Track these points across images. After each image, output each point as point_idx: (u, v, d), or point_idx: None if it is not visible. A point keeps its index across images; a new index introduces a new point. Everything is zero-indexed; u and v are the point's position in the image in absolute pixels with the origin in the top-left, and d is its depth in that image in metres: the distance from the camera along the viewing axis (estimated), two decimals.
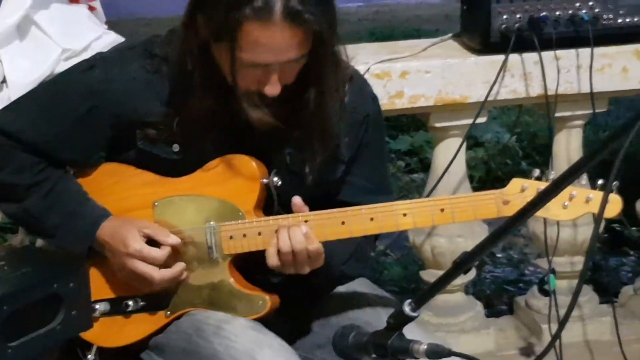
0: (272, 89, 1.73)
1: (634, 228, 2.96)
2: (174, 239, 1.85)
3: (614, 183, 1.63)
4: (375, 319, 1.82)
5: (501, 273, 3.85)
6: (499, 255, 4.01)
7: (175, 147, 1.87)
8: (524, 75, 2.55)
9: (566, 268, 2.77)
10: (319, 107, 1.80)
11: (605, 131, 4.78)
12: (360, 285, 2.00)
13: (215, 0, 1.70)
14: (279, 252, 1.77)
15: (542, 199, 1.34)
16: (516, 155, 4.58)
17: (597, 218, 1.67)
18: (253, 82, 1.73)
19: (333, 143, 1.86)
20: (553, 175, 1.76)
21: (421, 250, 2.73)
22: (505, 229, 1.38)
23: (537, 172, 1.76)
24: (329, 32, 1.71)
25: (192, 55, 1.77)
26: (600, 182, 1.69)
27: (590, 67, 2.51)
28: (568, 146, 2.72)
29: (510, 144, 4.56)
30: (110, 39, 2.29)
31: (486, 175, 4.35)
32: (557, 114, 2.64)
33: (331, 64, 1.77)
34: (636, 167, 3.24)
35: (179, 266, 1.85)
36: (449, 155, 2.61)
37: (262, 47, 1.67)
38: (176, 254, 1.86)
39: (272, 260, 1.78)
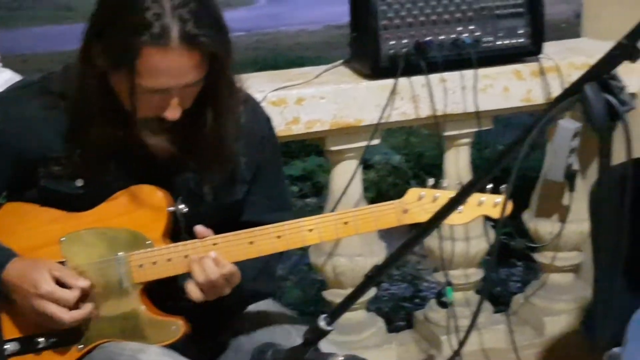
0: (172, 113, 1.77)
1: (522, 239, 3.09)
2: (84, 282, 1.85)
3: (504, 186, 1.74)
4: (285, 337, 1.88)
5: (398, 290, 3.96)
6: (394, 273, 4.13)
7: (79, 182, 1.89)
8: (413, 98, 2.65)
9: (461, 280, 2.89)
10: (216, 128, 1.85)
11: (487, 148, 4.99)
12: (268, 305, 2.06)
13: (112, 29, 1.73)
14: (197, 285, 1.81)
15: (451, 204, 1.43)
16: (405, 175, 4.72)
17: (496, 217, 1.77)
18: (153, 107, 1.77)
19: (232, 164, 1.91)
20: (446, 183, 1.88)
21: (322, 270, 2.80)
22: (416, 238, 1.46)
23: (431, 181, 1.87)
24: (225, 54, 1.76)
25: (90, 86, 1.79)
26: (489, 186, 1.81)
27: (475, 87, 2.64)
28: (457, 163, 2.84)
29: (399, 164, 4.70)
30: (5, 77, 2.28)
31: (378, 196, 4.47)
32: (446, 133, 2.76)
33: (227, 85, 1.83)
34: (522, 180, 3.39)
35: (89, 306, 1.86)
36: (346, 177, 2.70)
37: (161, 72, 1.71)
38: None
39: (195, 294, 1.82)
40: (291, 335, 1.91)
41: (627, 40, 1.18)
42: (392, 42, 2.61)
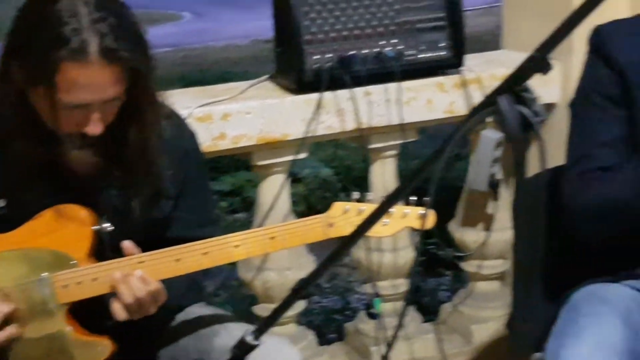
0: (94, 128, 1.76)
1: (449, 249, 3.14)
2: (7, 307, 1.83)
3: (426, 198, 1.78)
4: (226, 335, 1.89)
5: (329, 302, 3.98)
6: (325, 285, 4.15)
7: (1, 202, 1.86)
8: (339, 111, 2.68)
9: (390, 291, 2.92)
10: (140, 143, 1.85)
11: (416, 159, 5.05)
12: (200, 308, 2.07)
13: (30, 46, 1.71)
14: (123, 304, 1.80)
15: (373, 218, 1.45)
16: (334, 188, 4.76)
17: (416, 229, 1.81)
18: (74, 123, 1.76)
19: (157, 179, 1.91)
20: (371, 196, 1.91)
21: (252, 286, 2.80)
22: (340, 251, 1.48)
23: (356, 194, 1.89)
24: (145, 68, 1.77)
25: (9, 104, 1.77)
26: (412, 198, 1.84)
27: (399, 100, 2.67)
28: (383, 175, 2.87)
29: (328, 177, 4.73)
30: None
31: (307, 210, 4.49)
32: (372, 146, 2.79)
33: (149, 100, 1.84)
34: (447, 190, 3.44)
35: (12, 328, 1.83)
36: (274, 191, 2.71)
37: (80, 87, 1.71)
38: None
39: (120, 313, 1.81)
40: (231, 331, 1.93)
41: (538, 53, 1.21)
42: (316, 57, 2.63)
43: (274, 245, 1.88)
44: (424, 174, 1.32)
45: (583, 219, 1.99)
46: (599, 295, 1.99)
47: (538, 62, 1.22)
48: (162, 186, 1.94)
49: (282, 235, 1.87)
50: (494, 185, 2.88)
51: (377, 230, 1.86)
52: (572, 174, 2.02)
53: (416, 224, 1.90)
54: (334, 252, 1.46)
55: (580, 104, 2.08)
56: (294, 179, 4.82)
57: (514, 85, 1.23)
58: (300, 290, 1.50)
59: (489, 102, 1.23)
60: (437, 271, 4.14)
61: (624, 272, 2.05)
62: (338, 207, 1.89)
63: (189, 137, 2.04)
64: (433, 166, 1.29)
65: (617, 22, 2.09)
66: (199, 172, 2.05)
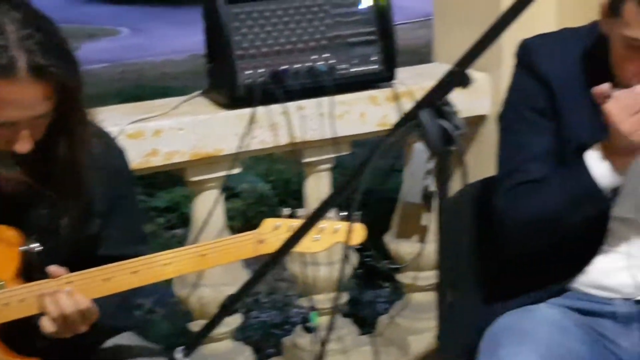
0: (22, 146, 1.74)
1: (385, 261, 3.16)
2: None
3: (357, 213, 1.79)
4: None
5: (267, 317, 3.97)
6: (264, 300, 4.14)
7: None
8: (272, 126, 2.68)
9: (326, 304, 2.92)
10: (69, 161, 1.83)
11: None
12: (128, 339, 2.05)
13: None
14: (51, 320, 1.77)
15: (299, 233, 1.45)
16: (271, 203, 4.75)
17: (345, 244, 1.81)
18: (2, 141, 1.74)
19: (85, 197, 1.89)
20: (303, 211, 1.91)
21: (187, 302, 2.78)
22: (267, 267, 1.48)
23: (287, 210, 1.90)
24: (74, 84, 1.75)
25: None
26: (343, 214, 1.86)
27: (331, 114, 2.69)
28: (318, 189, 2.88)
29: (265, 192, 4.72)
30: None
31: (244, 225, 4.47)
32: (305, 160, 2.80)
33: (78, 116, 1.82)
34: (383, 203, 3.47)
35: None
36: (208, 207, 2.70)
37: (9, 104, 1.68)
38: None
39: (48, 327, 1.78)
40: None
41: (457, 68, 1.23)
42: (248, 72, 2.63)
43: (204, 263, 1.88)
44: (349, 189, 1.33)
45: (515, 233, 2.02)
46: (519, 329, 2.00)
47: (458, 76, 1.23)
48: (91, 204, 1.92)
49: (212, 253, 1.86)
50: (427, 197, 2.91)
51: (308, 246, 1.87)
52: (504, 188, 2.04)
53: (348, 240, 1.91)
54: (261, 269, 1.46)
55: (509, 118, 2.10)
56: (231, 194, 4.82)
57: (435, 100, 1.24)
58: (229, 306, 1.49)
59: (411, 117, 1.24)
60: (375, 283, 4.15)
61: (553, 285, 2.08)
62: (269, 223, 1.89)
63: (118, 154, 2.03)
64: (357, 180, 1.30)
65: (543, 36, 2.13)
66: (128, 189, 2.03)
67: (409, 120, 1.25)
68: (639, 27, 1.80)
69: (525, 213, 1.99)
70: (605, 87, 1.84)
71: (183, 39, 10.87)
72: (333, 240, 1.90)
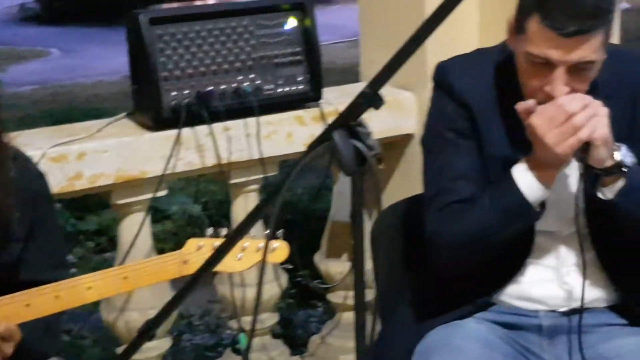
0: None
1: (317, 281, 3.16)
2: None
3: (280, 231, 1.79)
4: None
5: (200, 340, 3.94)
6: (197, 323, 4.10)
7: None
8: (198, 147, 2.67)
9: (256, 325, 2.91)
10: None
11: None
12: None
13: None
14: None
15: (218, 253, 1.45)
16: (203, 224, 4.73)
17: (262, 262, 1.80)
18: None
19: (4, 221, 1.86)
20: (226, 231, 1.92)
21: (115, 326, 2.74)
22: (186, 289, 1.47)
23: (210, 230, 1.90)
24: None
25: None
26: (279, 232, 1.87)
27: (258, 134, 2.69)
28: (246, 209, 2.86)
29: (197, 213, 4.69)
30: None
31: (176, 247, 4.42)
32: (233, 181, 2.80)
33: None
34: (314, 222, 3.48)
35: None
36: (134, 230, 2.67)
37: None
38: None
39: None
40: None
41: (369, 89, 1.24)
42: (173, 93, 2.62)
43: (127, 285, 1.87)
44: (266, 209, 1.33)
45: (447, 253, 2.04)
46: (448, 344, 2.02)
47: (370, 98, 1.24)
48: (10, 229, 1.89)
49: (135, 275, 1.85)
50: None
51: (232, 265, 1.87)
52: (433, 210, 2.06)
53: (271, 258, 1.91)
54: (180, 291, 1.45)
55: (432, 140, 2.12)
56: (163, 215, 4.78)
57: (348, 121, 1.25)
58: (147, 331, 1.47)
59: (325, 138, 1.25)
60: (309, 303, 4.15)
61: (481, 300, 2.10)
62: (192, 243, 1.89)
63: (36, 178, 2.00)
64: (274, 201, 1.30)
65: (457, 57, 2.16)
66: (48, 213, 2.01)
67: (322, 142, 1.25)
68: (540, 44, 1.85)
69: (457, 233, 2.01)
70: (529, 102, 1.88)
71: (116, 59, 10.77)
72: (256, 259, 1.90)
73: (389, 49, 2.99)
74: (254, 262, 1.89)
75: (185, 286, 1.45)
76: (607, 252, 2.08)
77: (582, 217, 2.03)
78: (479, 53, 2.18)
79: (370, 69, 3.19)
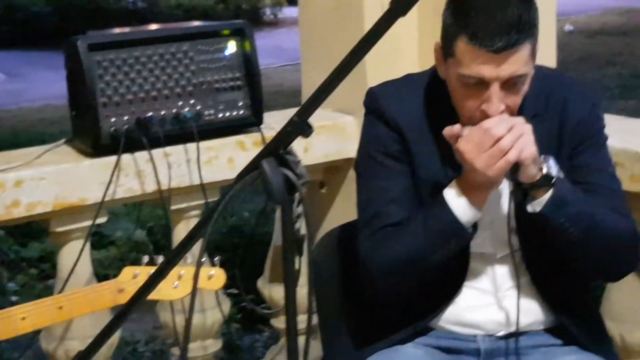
0: None
1: (261, 305, 3.15)
2: None
3: (217, 258, 1.78)
4: None
5: None
6: (142, 349, 4.06)
7: None
8: (138, 173, 2.65)
9: (200, 352, 2.89)
10: None
11: (232, 217, 5.06)
12: None
13: None
14: None
15: (150, 283, 1.43)
16: (148, 250, 4.69)
17: (192, 291, 1.78)
18: None
19: None
20: (190, 260, 1.94)
21: (55, 356, 2.70)
22: (119, 318, 1.45)
23: (146, 258, 1.89)
24: None
25: None
26: (216, 259, 1.84)
27: (198, 160, 2.67)
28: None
29: (141, 239, 4.65)
30: None
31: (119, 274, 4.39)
32: (174, 207, 2.78)
33: None
34: (258, 248, 3.47)
35: None
36: (74, 257, 2.64)
37: None
38: None
39: None
40: None
41: (298, 118, 1.25)
42: (112, 120, 2.61)
43: (62, 315, 1.85)
44: (198, 237, 1.32)
45: (380, 276, 2.05)
46: None
47: (299, 126, 1.25)
48: None
49: (70, 305, 1.84)
50: (297, 241, 2.91)
51: (169, 293, 1.86)
52: (366, 233, 2.07)
53: (208, 285, 1.91)
54: (113, 320, 1.43)
55: (364, 164, 2.15)
56: (108, 242, 4.73)
57: (277, 149, 1.26)
58: None
59: (254, 166, 1.25)
60: (255, 328, 4.13)
61: (418, 324, 2.11)
62: (128, 272, 1.88)
63: None
64: (205, 228, 1.30)
65: (388, 83, 2.20)
66: None
67: (251, 170, 1.25)
68: (470, 64, 1.87)
69: (390, 257, 2.02)
70: (456, 127, 1.91)
71: (62, 83, 10.67)
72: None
73: (327, 74, 3.05)
74: (190, 289, 1.88)
75: (118, 315, 1.44)
76: (541, 274, 2.11)
77: (515, 236, 2.06)
78: (409, 78, 2.20)
79: (311, 92, 3.19)
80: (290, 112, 3.12)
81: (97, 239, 4.55)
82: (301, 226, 2.96)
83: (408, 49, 3.00)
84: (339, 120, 2.99)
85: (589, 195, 2.01)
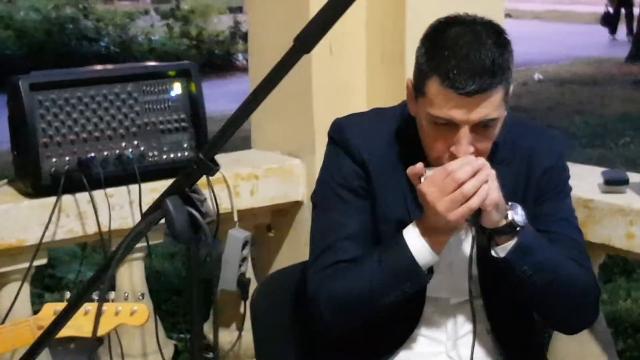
0: None
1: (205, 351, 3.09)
2: None
3: (141, 293, 1.75)
4: None
5: None
6: None
7: None
8: (79, 215, 2.62)
9: None
10: None
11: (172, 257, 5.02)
12: None
13: None
14: None
15: (61, 318, 1.40)
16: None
17: (94, 328, 1.73)
18: None
19: None
20: (113, 296, 1.92)
21: None
22: (29, 354, 1.42)
23: (68, 294, 1.84)
24: None
25: None
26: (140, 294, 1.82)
27: (140, 202, 2.64)
28: (131, 276, 2.82)
29: None
30: None
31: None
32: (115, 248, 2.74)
33: None
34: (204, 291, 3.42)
35: None
36: (13, 299, 2.59)
37: None
38: None
39: None
40: None
41: (202, 156, 1.23)
42: (53, 160, 2.58)
43: None
44: (103, 279, 1.30)
45: (327, 313, 1.99)
46: None
47: (204, 164, 1.23)
48: None
49: None
50: (243, 285, 2.89)
51: (88, 330, 1.82)
52: (316, 268, 2.02)
53: (130, 321, 1.88)
54: (24, 357, 1.40)
55: (323, 196, 2.08)
56: (61, 285, 4.65)
57: (182, 188, 1.24)
58: None
59: (158, 205, 1.23)
60: None
61: None
62: (49, 308, 1.86)
63: None
64: (110, 269, 1.27)
65: (355, 115, 2.17)
66: None
67: (155, 209, 1.23)
68: (441, 105, 1.84)
69: (340, 293, 1.96)
70: (418, 167, 1.86)
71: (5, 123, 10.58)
72: (115, 323, 1.89)
73: (277, 116, 3.06)
74: (114, 326, 1.87)
75: (29, 351, 1.40)
76: (500, 322, 2.08)
77: (476, 283, 2.01)
78: (377, 112, 2.17)
79: (260, 135, 3.19)
80: (238, 154, 3.19)
81: (49, 280, 4.49)
82: (246, 270, 2.95)
83: (356, 92, 3.00)
84: (286, 164, 2.98)
85: (551, 244, 1.98)
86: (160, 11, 18.14)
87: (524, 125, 2.13)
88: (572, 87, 12.75)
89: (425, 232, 1.90)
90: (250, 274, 2.99)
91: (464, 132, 1.84)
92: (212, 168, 1.24)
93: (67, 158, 2.60)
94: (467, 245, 1.99)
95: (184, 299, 4.12)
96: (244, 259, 2.88)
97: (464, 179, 1.80)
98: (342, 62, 2.97)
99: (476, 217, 1.86)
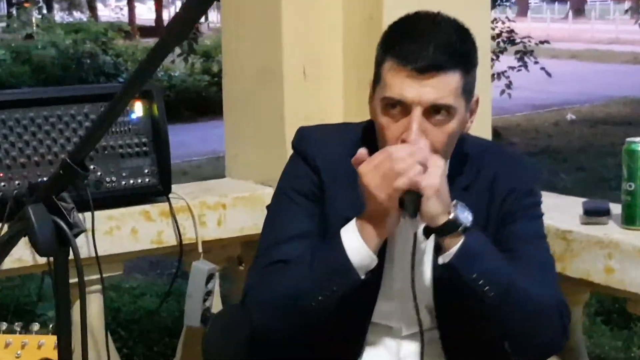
0: None
1: None
2: None
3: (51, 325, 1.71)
4: None
5: None
6: None
7: None
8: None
9: None
10: None
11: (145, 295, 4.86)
12: None
13: None
14: None
15: None
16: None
17: None
18: None
19: None
20: (19, 326, 1.80)
21: None
22: None
23: (4, 325, 1.78)
24: None
25: None
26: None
27: (92, 230, 2.48)
28: (90, 312, 2.66)
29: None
30: None
31: None
32: (70, 280, 2.57)
33: None
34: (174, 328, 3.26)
35: None
36: None
37: None
38: None
39: None
40: None
41: (70, 159, 1.07)
42: (2, 184, 2.44)
43: None
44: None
45: (257, 312, 1.94)
46: None
47: (72, 169, 1.07)
48: None
49: None
50: (207, 320, 2.71)
51: None
52: (256, 267, 2.00)
53: (53, 355, 1.75)
54: None
55: (276, 199, 2.09)
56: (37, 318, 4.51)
57: (49, 195, 1.07)
58: None
59: (20, 215, 1.06)
60: None
61: None
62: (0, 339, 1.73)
63: None
64: None
65: (320, 126, 2.21)
66: None
67: (17, 219, 1.06)
68: (394, 84, 1.82)
69: (271, 292, 1.92)
70: (362, 152, 1.82)
71: None
72: (38, 357, 1.80)
73: (250, 144, 2.91)
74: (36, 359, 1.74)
75: None
76: (458, 355, 1.98)
77: (432, 314, 1.94)
78: (344, 125, 2.23)
79: (234, 164, 3.05)
80: (208, 183, 3.03)
81: (25, 315, 4.33)
82: (212, 304, 2.77)
83: (332, 119, 2.85)
84: (257, 192, 2.82)
85: (512, 262, 1.87)
86: (183, 48, 18.16)
87: (499, 153, 2.08)
88: (605, 128, 12.45)
89: (362, 227, 1.84)
90: (218, 309, 2.81)
91: (415, 115, 1.80)
92: (79, 173, 1.08)
93: (17, 182, 2.45)
94: (425, 270, 1.93)
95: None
96: (209, 293, 2.70)
97: (399, 157, 1.75)
98: (317, 86, 2.83)
99: (414, 204, 1.77)
